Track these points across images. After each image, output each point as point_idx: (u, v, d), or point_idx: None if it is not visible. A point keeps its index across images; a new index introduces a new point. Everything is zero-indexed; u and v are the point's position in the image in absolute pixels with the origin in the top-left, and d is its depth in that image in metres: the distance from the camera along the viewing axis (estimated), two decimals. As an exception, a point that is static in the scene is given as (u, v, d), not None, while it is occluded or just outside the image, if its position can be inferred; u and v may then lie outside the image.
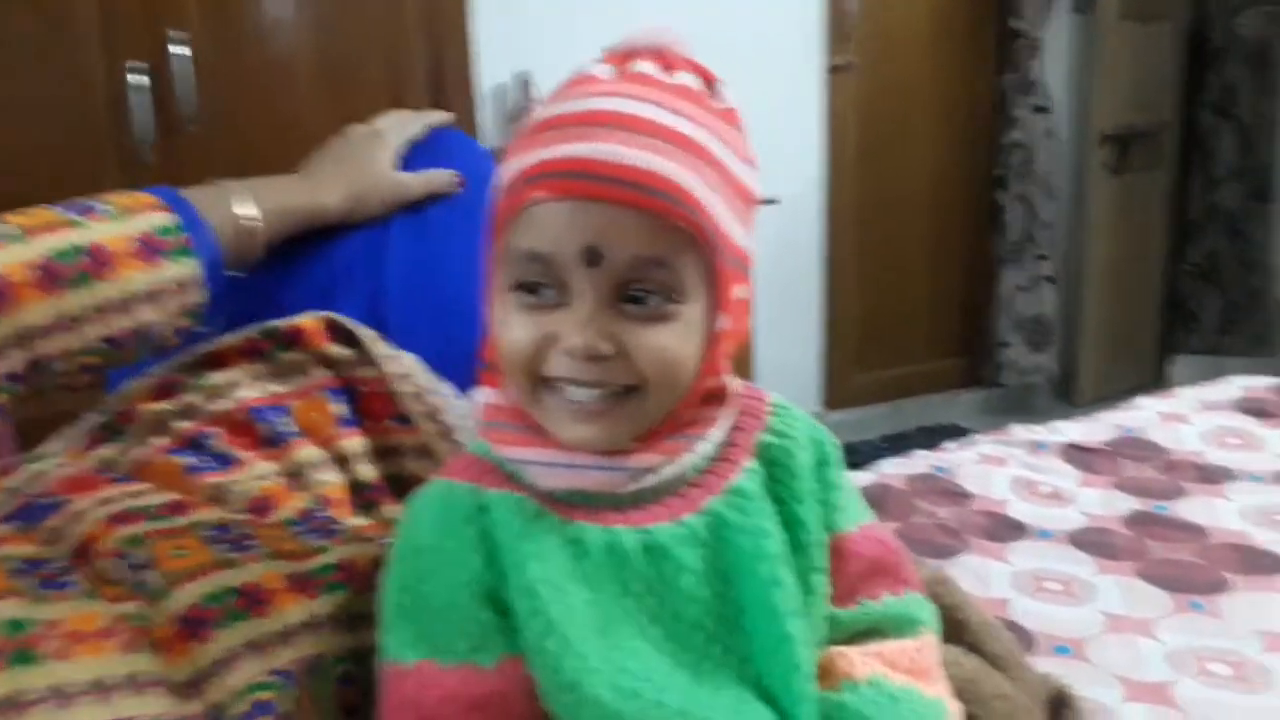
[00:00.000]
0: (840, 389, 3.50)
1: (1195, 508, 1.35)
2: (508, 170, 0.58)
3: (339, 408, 0.79)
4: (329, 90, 2.33)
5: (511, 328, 0.57)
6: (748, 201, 0.60)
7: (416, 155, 0.94)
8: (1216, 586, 1.14)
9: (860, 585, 0.66)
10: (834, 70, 3.25)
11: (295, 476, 0.77)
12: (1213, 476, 1.44)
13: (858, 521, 0.67)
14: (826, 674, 0.62)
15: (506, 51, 2.72)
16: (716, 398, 0.63)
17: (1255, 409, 1.64)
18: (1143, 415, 1.67)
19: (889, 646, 0.65)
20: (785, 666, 0.59)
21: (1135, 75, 3.50)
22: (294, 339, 0.79)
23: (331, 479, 0.77)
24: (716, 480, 0.62)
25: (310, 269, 0.88)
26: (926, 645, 0.67)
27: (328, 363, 0.80)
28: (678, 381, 0.57)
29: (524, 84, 2.73)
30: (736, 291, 0.59)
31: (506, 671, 0.57)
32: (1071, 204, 3.64)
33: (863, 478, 1.43)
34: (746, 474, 0.63)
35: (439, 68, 2.58)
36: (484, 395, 0.63)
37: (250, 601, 0.64)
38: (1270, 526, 1.29)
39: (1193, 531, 1.28)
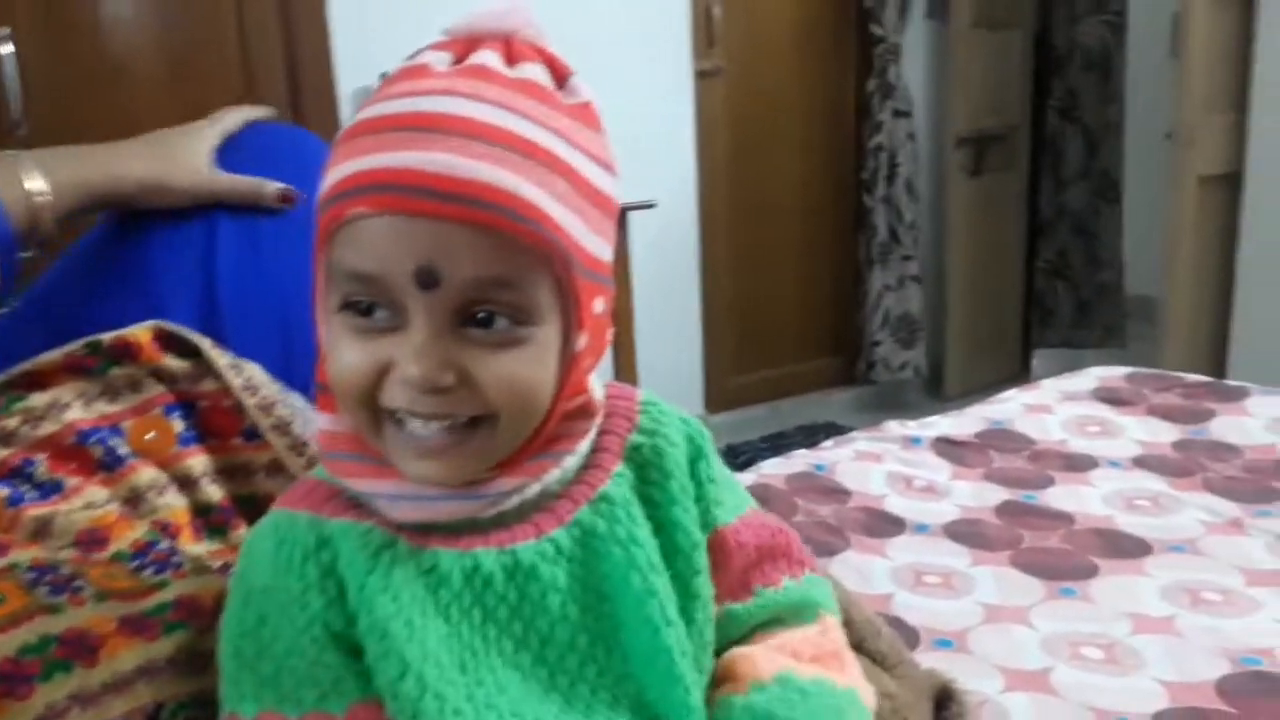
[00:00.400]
0: (720, 391, 3.52)
1: (1062, 495, 1.39)
2: (328, 180, 0.51)
3: (178, 425, 0.73)
4: (173, 93, 2.21)
5: (342, 353, 0.51)
6: (604, 209, 0.54)
7: (248, 154, 0.87)
8: (1085, 571, 1.17)
9: (753, 574, 0.64)
10: (701, 75, 3.27)
11: (132, 503, 0.70)
12: (1077, 464, 1.49)
13: (737, 512, 0.64)
14: (732, 677, 0.60)
15: (369, 52, 2.62)
16: (583, 413, 0.58)
17: (1111, 398, 1.71)
18: (1008, 407, 1.71)
19: (792, 636, 0.62)
20: (665, 680, 0.56)
21: (987, 80, 3.65)
22: (123, 353, 0.72)
23: (174, 502, 0.71)
24: (584, 490, 0.58)
25: (128, 274, 0.81)
26: (830, 628, 0.65)
27: (163, 377, 0.73)
28: (532, 410, 0.53)
29: (388, 87, 2.64)
30: (595, 306, 0.54)
31: (358, 719, 0.52)
32: (933, 205, 3.76)
33: (744, 479, 1.42)
34: (615, 479, 0.59)
35: (296, 69, 2.48)
36: (321, 421, 0.57)
37: (76, 650, 0.57)
38: (1131, 510, 1.33)
39: (1061, 519, 1.32)
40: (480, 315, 0.50)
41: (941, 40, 3.65)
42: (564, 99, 0.54)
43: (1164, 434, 1.57)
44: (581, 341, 0.53)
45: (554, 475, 0.57)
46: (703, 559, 0.61)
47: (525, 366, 0.51)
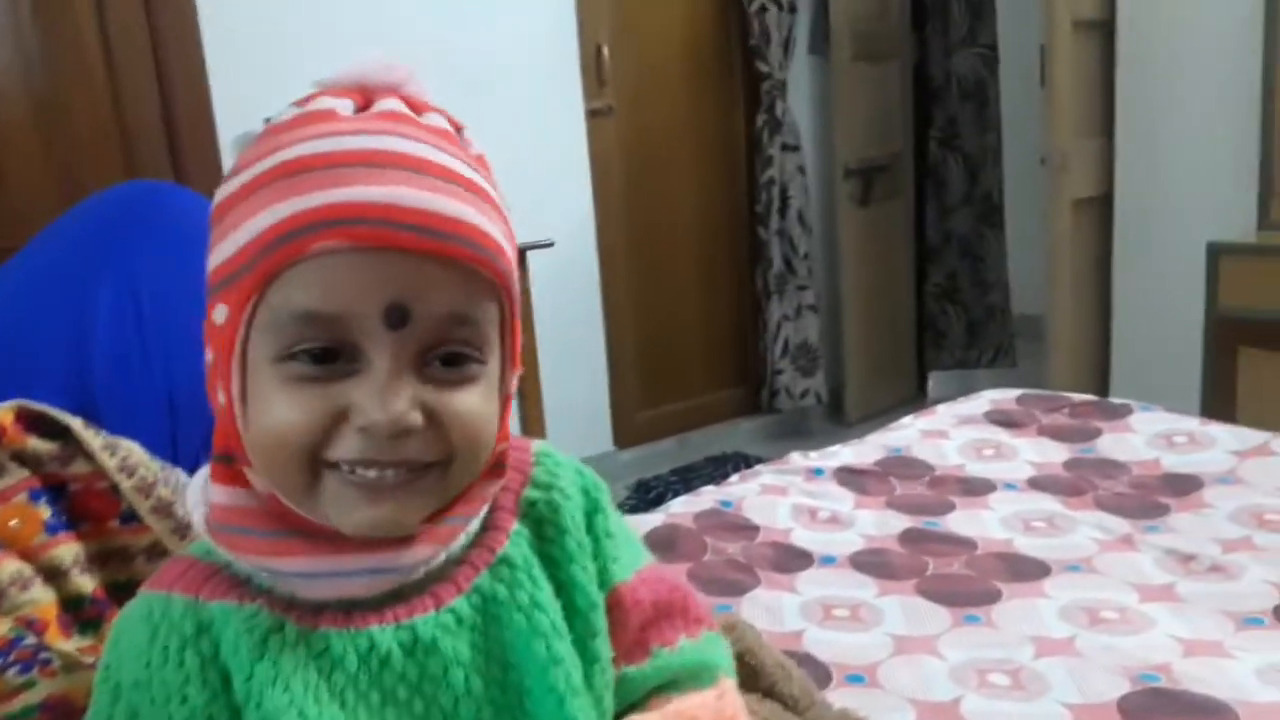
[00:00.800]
0: (627, 427, 3.52)
1: (962, 520, 1.42)
2: (263, 219, 0.47)
3: (45, 511, 0.68)
4: (40, 143, 2.12)
5: (279, 407, 0.47)
6: (515, 249, 0.55)
7: (117, 216, 0.83)
8: (988, 597, 1.19)
9: (650, 633, 0.62)
10: (593, 114, 3.28)
11: (-6, 598, 0.65)
12: (975, 489, 1.52)
13: (634, 568, 0.62)
14: None
15: (248, 96, 2.56)
16: (495, 469, 0.56)
17: (1003, 420, 1.76)
18: (906, 434, 1.75)
19: (689, 704, 0.61)
20: None
21: (871, 112, 3.76)
22: (-19, 437, 0.67)
23: (40, 597, 0.66)
24: (483, 554, 0.56)
25: None
26: (727, 691, 0.63)
27: (27, 460, 0.69)
28: (483, 450, 0.51)
29: (272, 134, 2.58)
30: (519, 344, 0.55)
31: None
32: (825, 235, 3.84)
33: (652, 519, 1.41)
34: (513, 539, 0.57)
35: (173, 114, 2.40)
36: (216, 494, 0.53)
37: None
38: (1029, 533, 1.37)
39: (962, 544, 1.34)
40: (445, 354, 0.49)
41: (824, 75, 3.75)
42: (468, 149, 0.53)
43: (1055, 454, 1.62)
44: (514, 381, 0.54)
45: (460, 541, 0.55)
46: (601, 620, 0.59)
47: (481, 404, 0.50)
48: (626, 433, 3.51)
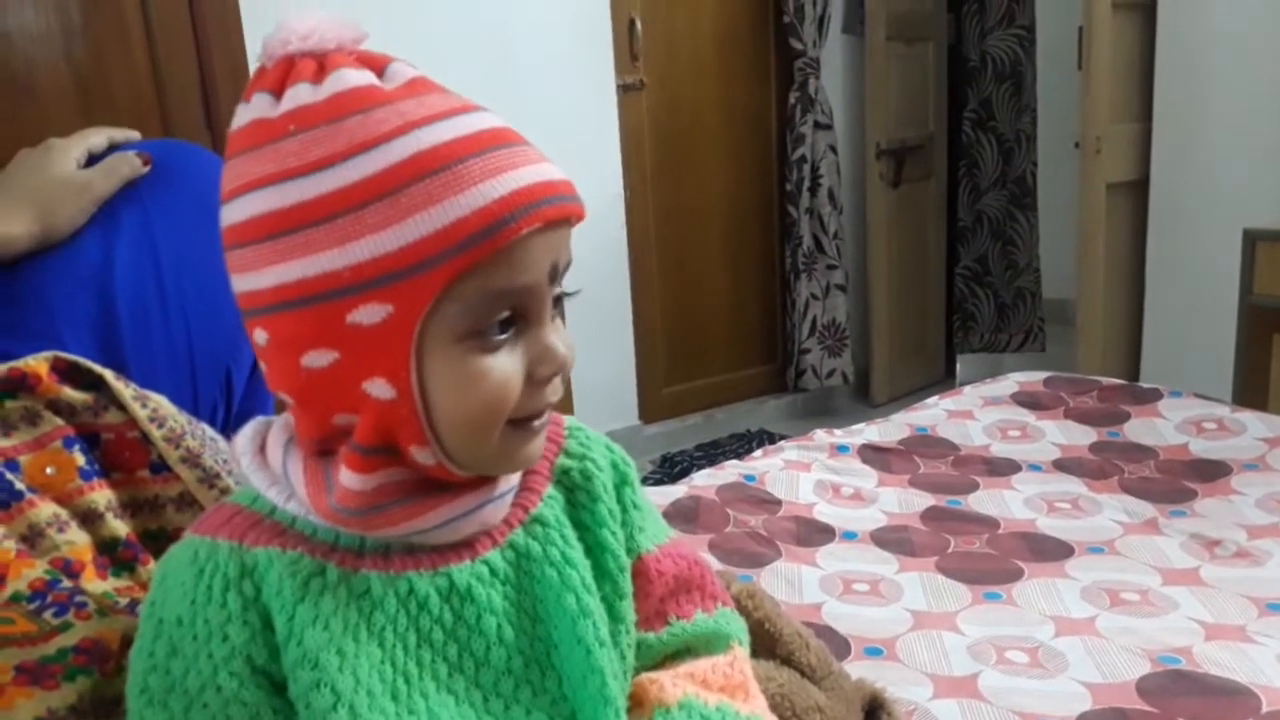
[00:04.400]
0: (653, 402, 3.52)
1: (985, 500, 1.41)
2: (432, 218, 0.47)
3: (80, 458, 0.69)
4: (81, 113, 2.13)
5: (486, 377, 0.50)
6: None
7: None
8: (1010, 575, 1.19)
9: (668, 604, 0.64)
10: (624, 89, 3.27)
11: (31, 540, 0.66)
12: (999, 469, 1.51)
13: (658, 541, 0.65)
14: (639, 701, 0.59)
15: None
16: None
17: (1029, 401, 1.75)
18: (932, 414, 1.74)
19: (700, 665, 0.63)
20: (596, 701, 0.55)
21: (904, 92, 3.72)
22: (18, 384, 0.68)
23: (76, 539, 0.67)
24: (517, 512, 0.58)
25: (22, 310, 0.77)
26: (738, 660, 0.65)
27: (61, 409, 0.70)
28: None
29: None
30: None
31: None
32: (855, 215, 3.81)
33: (675, 490, 1.41)
34: (547, 502, 0.59)
35: (212, 88, 2.41)
36: (356, 482, 0.51)
37: None
38: (1052, 514, 1.36)
39: (985, 523, 1.34)
40: (557, 296, 0.54)
41: (858, 54, 3.71)
42: None
43: (1081, 437, 1.61)
44: None
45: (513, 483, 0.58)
46: (628, 584, 0.61)
47: (569, 334, 0.55)
48: (652, 407, 3.51)
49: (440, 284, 0.48)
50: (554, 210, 0.50)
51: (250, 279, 0.51)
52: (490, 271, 0.48)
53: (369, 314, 0.48)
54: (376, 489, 0.51)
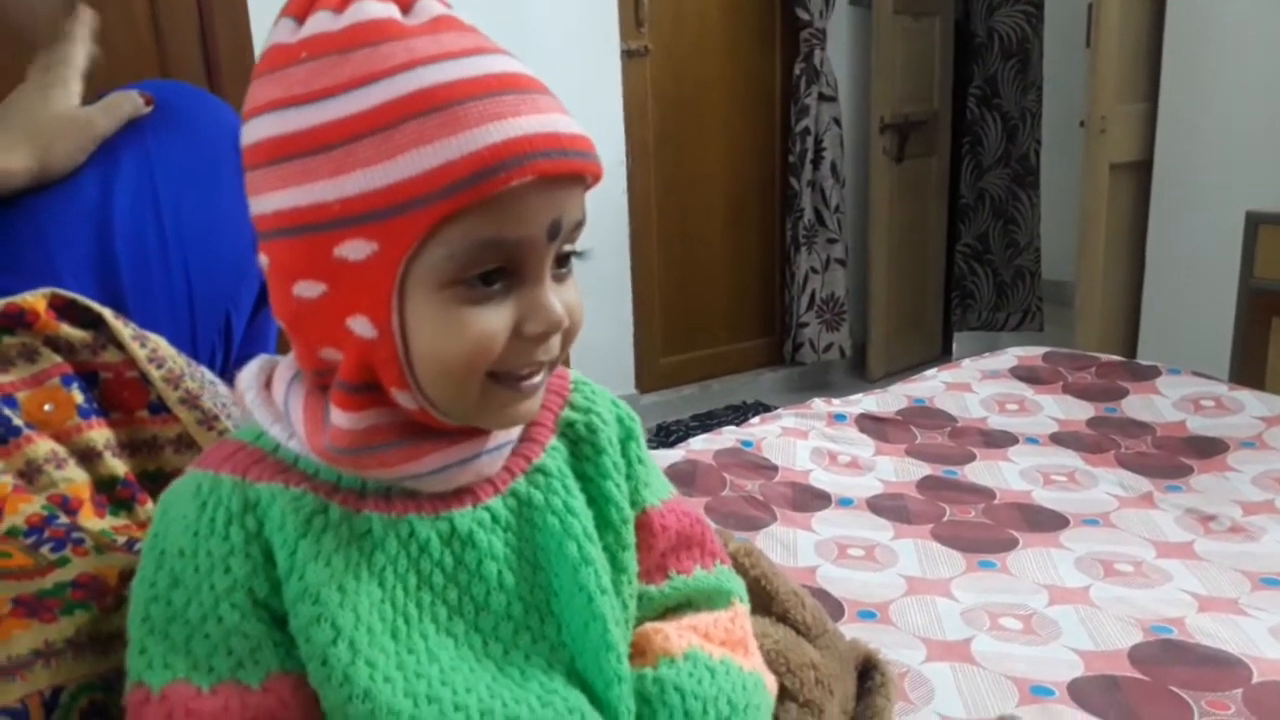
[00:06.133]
0: (650, 371, 3.52)
1: (982, 471, 1.42)
2: (423, 158, 0.46)
3: (78, 396, 0.69)
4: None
5: (466, 328, 0.48)
6: None
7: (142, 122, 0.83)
8: (1004, 545, 1.19)
9: (669, 559, 0.64)
10: (628, 54, 3.24)
11: (28, 475, 0.66)
12: (996, 441, 1.51)
13: (661, 496, 0.65)
14: (642, 651, 0.60)
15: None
16: None
17: (1029, 376, 1.75)
18: (930, 385, 1.74)
19: (703, 619, 0.63)
20: (597, 647, 0.55)
21: (909, 66, 3.69)
22: (16, 320, 0.68)
23: (74, 476, 0.67)
24: (519, 461, 0.58)
25: (20, 247, 0.76)
26: (739, 616, 0.66)
27: (60, 346, 0.69)
28: (578, 335, 0.55)
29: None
30: None
31: (275, 691, 0.50)
32: (857, 189, 3.80)
33: (672, 454, 1.41)
34: (550, 452, 0.59)
35: (212, 43, 2.39)
36: (346, 421, 0.51)
37: None
38: (1048, 486, 1.36)
39: (980, 493, 1.34)
40: (565, 254, 0.53)
41: (865, 26, 3.68)
42: None
43: (1079, 411, 1.61)
44: None
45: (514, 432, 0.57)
46: (631, 535, 0.61)
47: (579, 296, 0.54)
48: (649, 377, 3.51)
49: (424, 227, 0.47)
50: (552, 164, 0.48)
51: (257, 202, 0.51)
52: (478, 220, 0.47)
53: (355, 250, 0.48)
54: (368, 430, 0.51)
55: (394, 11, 0.50)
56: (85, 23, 0.85)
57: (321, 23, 0.49)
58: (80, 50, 0.85)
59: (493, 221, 0.47)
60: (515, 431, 0.57)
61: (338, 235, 0.48)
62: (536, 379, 0.52)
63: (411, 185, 0.46)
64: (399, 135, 0.46)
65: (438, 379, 0.50)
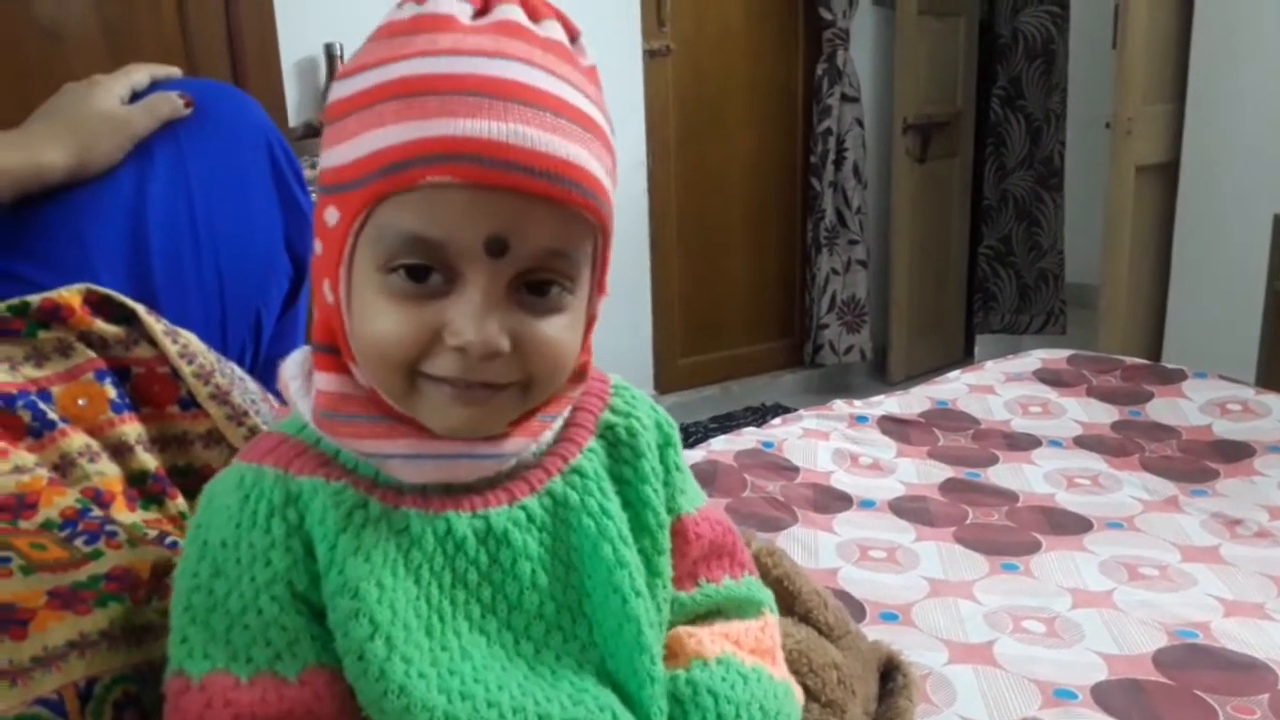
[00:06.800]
0: (669, 373, 3.52)
1: (1005, 474, 1.41)
2: (380, 137, 0.48)
3: (111, 391, 0.70)
4: (108, 63, 2.14)
5: (382, 317, 0.49)
6: (616, 174, 0.55)
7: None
8: (1028, 547, 1.19)
9: (700, 567, 0.65)
10: (651, 54, 3.25)
11: (63, 469, 0.67)
12: (1019, 444, 1.51)
13: (696, 504, 0.66)
14: (675, 653, 0.60)
15: (312, 21, 2.57)
16: (579, 374, 0.58)
17: (1052, 379, 1.74)
18: (953, 387, 1.73)
19: (734, 627, 0.64)
20: (630, 649, 0.56)
21: (933, 67, 3.68)
22: (51, 315, 0.69)
23: (107, 470, 0.68)
24: (556, 461, 0.58)
25: (57, 242, 0.78)
26: (769, 626, 0.67)
27: (93, 342, 0.70)
28: (561, 375, 0.53)
29: (334, 57, 2.58)
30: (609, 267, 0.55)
31: (311, 684, 0.51)
32: (879, 190, 3.78)
33: (693, 455, 1.42)
34: (587, 454, 0.59)
35: (238, 39, 2.41)
36: (322, 382, 0.54)
37: (2, 623, 0.54)
38: (1072, 489, 1.36)
39: (1004, 496, 1.34)
40: (536, 282, 0.50)
41: (888, 26, 3.67)
42: (581, 60, 0.53)
43: (1103, 415, 1.60)
44: (600, 304, 0.55)
45: (546, 438, 0.57)
46: (667, 540, 0.62)
47: (564, 333, 0.51)
48: (668, 378, 3.51)
49: (362, 205, 0.49)
50: (478, 171, 0.46)
51: None
52: (405, 211, 0.48)
53: (331, 216, 0.51)
54: (341, 395, 0.53)
55: (461, 9, 0.51)
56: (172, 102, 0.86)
57: (405, 10, 0.52)
58: (144, 72, 0.86)
59: (416, 216, 0.48)
60: (518, 444, 0.55)
61: (325, 201, 0.52)
62: (477, 393, 0.50)
63: (359, 165, 0.49)
64: (369, 116, 0.49)
65: (365, 360, 0.51)
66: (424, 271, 0.48)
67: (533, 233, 0.48)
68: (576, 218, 0.50)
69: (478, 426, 0.52)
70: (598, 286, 0.55)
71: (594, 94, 0.53)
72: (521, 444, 0.55)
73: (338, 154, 0.51)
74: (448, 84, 0.48)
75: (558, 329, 0.51)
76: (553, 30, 0.52)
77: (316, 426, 0.54)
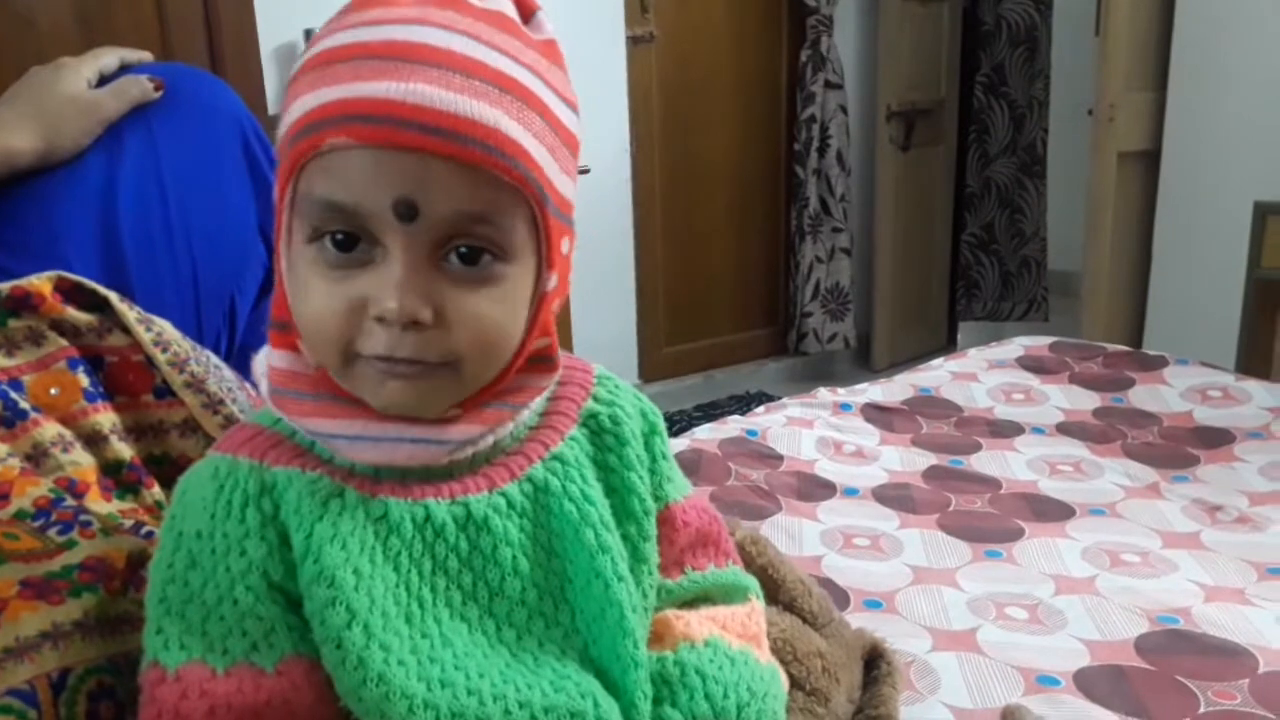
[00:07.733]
0: (653, 361, 3.52)
1: (988, 461, 1.41)
2: (297, 108, 0.49)
3: (84, 380, 0.69)
4: (82, 49, 2.11)
5: (312, 293, 0.49)
6: (571, 148, 0.53)
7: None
8: (1010, 535, 1.19)
9: (686, 555, 0.65)
10: (634, 41, 3.23)
11: (35, 459, 0.66)
12: (1002, 431, 1.51)
13: (683, 492, 0.66)
14: (661, 636, 0.61)
15: (292, 7, 2.54)
16: (544, 362, 0.57)
17: (1035, 366, 1.74)
18: (936, 375, 1.74)
19: (720, 612, 0.64)
20: (613, 634, 0.55)
21: (916, 54, 3.68)
22: (21, 303, 0.68)
23: (80, 460, 0.67)
24: (537, 448, 0.58)
25: (26, 229, 0.76)
26: (755, 612, 0.67)
27: (65, 330, 0.69)
28: (498, 354, 0.52)
29: (312, 44, 2.56)
30: (563, 246, 0.53)
31: (288, 675, 0.50)
32: (863, 178, 3.78)
33: (677, 444, 1.41)
34: (569, 442, 0.59)
35: (216, 24, 2.38)
36: (274, 358, 0.54)
37: None
38: (1054, 476, 1.36)
39: (986, 483, 1.34)
40: (463, 249, 0.49)
41: (872, 13, 3.66)
42: (532, 34, 0.52)
43: (1085, 401, 1.60)
44: (551, 281, 0.53)
45: (508, 428, 0.56)
46: (653, 526, 0.61)
47: (494, 307, 0.50)
48: (652, 366, 3.51)
49: (287, 175, 0.50)
50: (374, 131, 0.46)
51: None
52: (314, 177, 0.49)
53: (275, 192, 0.52)
54: (290, 372, 0.53)
55: None
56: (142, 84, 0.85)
57: None
58: (113, 56, 0.85)
59: (327, 181, 0.48)
60: (466, 431, 0.53)
61: (281, 177, 0.52)
62: (404, 369, 0.49)
63: (285, 135, 0.50)
64: (298, 87, 0.50)
65: (306, 337, 0.52)
66: (349, 242, 0.49)
67: (440, 195, 0.47)
68: (492, 181, 0.48)
69: (412, 405, 0.51)
70: (546, 262, 0.53)
71: (540, 66, 0.52)
72: (471, 432, 0.53)
73: (278, 131, 0.52)
74: (359, 50, 0.48)
75: (485, 303, 0.50)
76: (498, 3, 0.52)
77: (271, 404, 0.54)
